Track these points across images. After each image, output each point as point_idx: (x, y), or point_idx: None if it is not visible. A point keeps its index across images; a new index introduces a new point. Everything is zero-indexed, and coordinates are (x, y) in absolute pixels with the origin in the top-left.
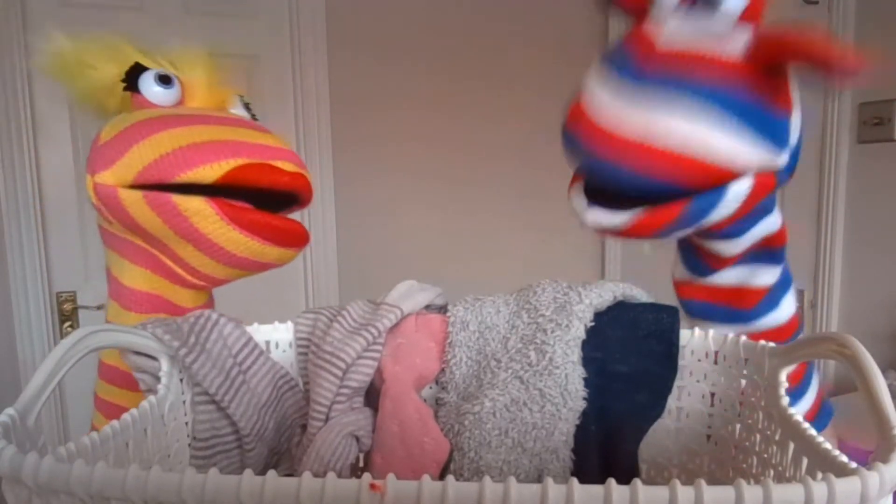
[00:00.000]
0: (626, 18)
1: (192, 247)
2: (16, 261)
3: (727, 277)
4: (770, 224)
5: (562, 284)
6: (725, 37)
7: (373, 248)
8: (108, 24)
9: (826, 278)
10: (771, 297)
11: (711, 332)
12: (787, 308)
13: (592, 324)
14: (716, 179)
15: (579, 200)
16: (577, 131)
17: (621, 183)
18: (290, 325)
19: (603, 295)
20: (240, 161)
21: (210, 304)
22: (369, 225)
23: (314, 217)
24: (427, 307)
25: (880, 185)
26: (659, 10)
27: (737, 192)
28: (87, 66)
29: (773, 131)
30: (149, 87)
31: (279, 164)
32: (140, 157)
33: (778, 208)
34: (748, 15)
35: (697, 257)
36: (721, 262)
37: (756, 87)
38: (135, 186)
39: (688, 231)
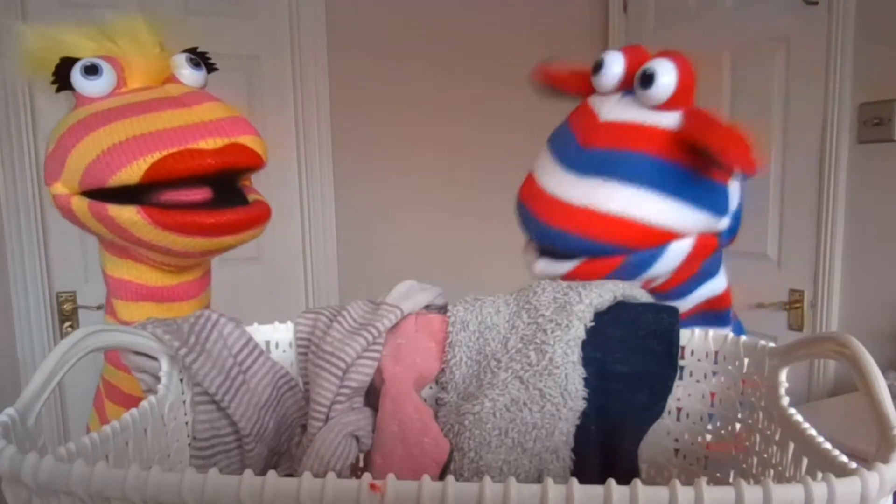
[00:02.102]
0: (572, 98)
1: (145, 249)
2: (16, 261)
3: None
4: (714, 287)
5: (562, 284)
6: (658, 115)
7: (373, 248)
8: None
9: (826, 278)
10: None
11: (711, 332)
12: None
13: (592, 324)
14: (656, 240)
15: (530, 255)
16: (528, 203)
17: (569, 246)
18: (290, 325)
19: (603, 295)
20: (156, 155)
21: (204, 282)
22: (369, 225)
23: (314, 217)
24: (427, 307)
25: (880, 185)
26: (599, 91)
27: (677, 251)
28: (68, 50)
29: (710, 198)
30: (78, 81)
31: (202, 144)
32: (75, 166)
33: (723, 271)
34: (677, 98)
35: None
36: None
37: (691, 158)
38: (84, 194)
39: (644, 278)
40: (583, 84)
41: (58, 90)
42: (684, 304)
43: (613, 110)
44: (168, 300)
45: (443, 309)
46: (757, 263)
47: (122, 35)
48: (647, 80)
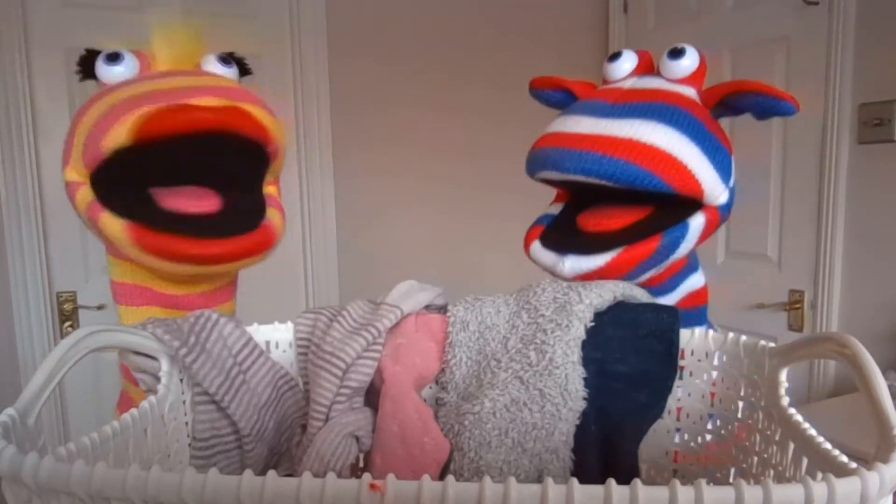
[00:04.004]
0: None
1: (137, 255)
2: (16, 261)
3: None
4: (695, 282)
5: (562, 284)
6: (680, 86)
7: (373, 248)
8: (108, 25)
9: (826, 278)
10: None
11: (711, 332)
12: None
13: (592, 324)
14: (689, 187)
15: (548, 254)
16: (561, 143)
17: (616, 175)
18: (290, 325)
19: (603, 295)
20: (144, 111)
21: (218, 296)
22: (369, 225)
23: (314, 217)
24: (427, 307)
25: (880, 185)
26: (609, 79)
27: (695, 228)
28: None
29: (723, 161)
30: (100, 69)
31: (197, 101)
32: (78, 141)
33: (700, 268)
34: (695, 77)
35: None
36: None
37: (709, 122)
38: (92, 177)
39: (658, 267)
40: (583, 88)
41: (81, 79)
42: (670, 299)
43: (637, 84)
44: (173, 307)
45: (443, 309)
46: (757, 264)
47: (156, 32)
48: (678, 52)
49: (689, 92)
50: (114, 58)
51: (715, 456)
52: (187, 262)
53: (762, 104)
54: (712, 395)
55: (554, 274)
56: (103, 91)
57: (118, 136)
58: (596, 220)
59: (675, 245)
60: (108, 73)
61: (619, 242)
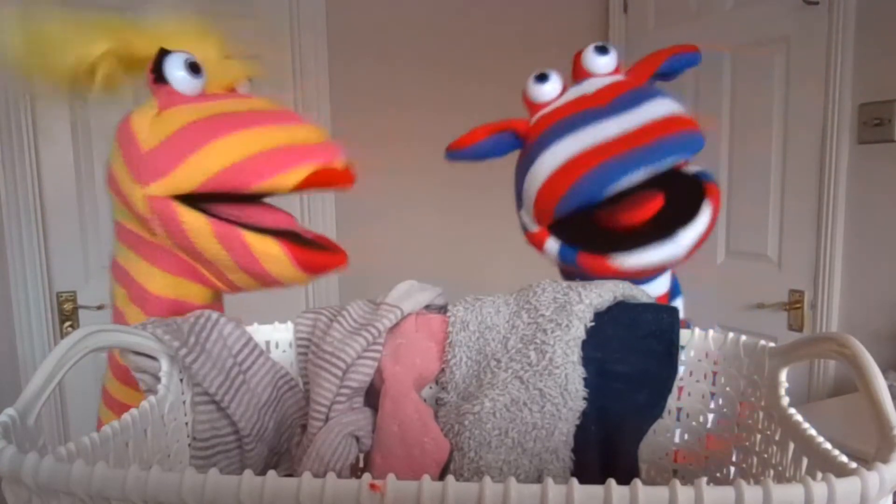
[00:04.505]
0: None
1: (247, 275)
2: (16, 261)
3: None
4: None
5: (562, 284)
6: (617, 76)
7: (373, 248)
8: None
9: (826, 278)
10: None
11: (711, 332)
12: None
13: (592, 324)
14: (699, 131)
15: (594, 258)
16: (592, 161)
17: (669, 153)
18: (290, 325)
19: (603, 295)
20: (311, 167)
21: (220, 300)
22: (369, 225)
23: (314, 217)
24: (427, 307)
25: (880, 185)
26: (542, 101)
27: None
28: (67, 43)
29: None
30: (173, 72)
31: (337, 164)
32: (204, 166)
33: None
34: (618, 69)
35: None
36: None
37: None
38: (198, 196)
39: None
40: (522, 124)
41: (155, 81)
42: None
43: (586, 88)
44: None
45: (443, 309)
46: (757, 264)
47: (196, 40)
48: (603, 49)
49: (623, 78)
50: (195, 69)
51: (715, 456)
52: (324, 271)
53: (676, 63)
54: (712, 395)
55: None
56: (210, 111)
57: (281, 183)
58: (628, 214)
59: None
60: (188, 83)
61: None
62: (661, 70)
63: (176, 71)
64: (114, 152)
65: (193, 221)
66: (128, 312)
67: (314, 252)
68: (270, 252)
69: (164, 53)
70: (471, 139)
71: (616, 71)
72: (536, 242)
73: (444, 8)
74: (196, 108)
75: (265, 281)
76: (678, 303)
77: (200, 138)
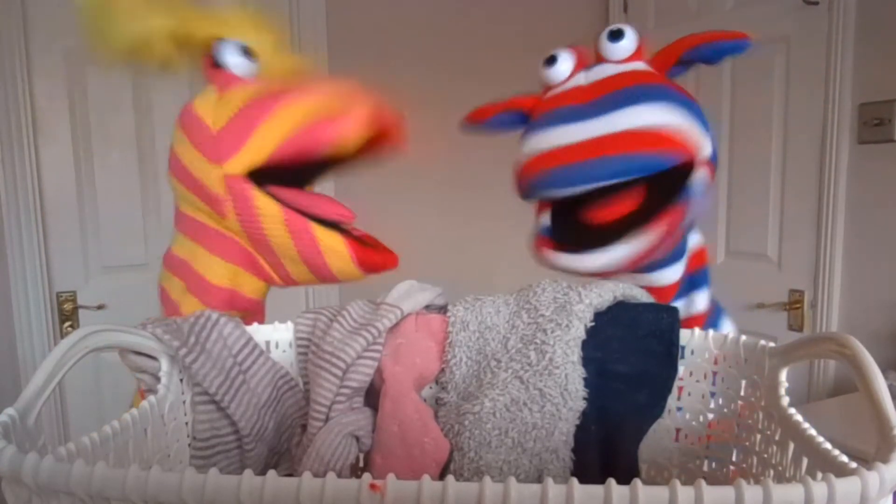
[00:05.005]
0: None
1: (306, 267)
2: (16, 261)
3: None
4: (695, 240)
5: (562, 284)
6: (630, 64)
7: None
8: None
9: (826, 278)
10: (710, 324)
11: (711, 332)
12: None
13: (592, 324)
14: (685, 149)
15: (586, 257)
16: (557, 160)
17: (625, 170)
18: (290, 325)
19: (603, 295)
20: (366, 113)
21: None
22: (369, 225)
23: None
24: (427, 307)
25: (880, 185)
26: (551, 83)
27: (701, 179)
28: (135, 11)
29: (697, 113)
30: (231, 58)
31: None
32: (274, 132)
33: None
34: (638, 52)
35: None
36: (664, 296)
37: (672, 84)
38: (271, 173)
39: (687, 228)
40: (531, 102)
41: (214, 65)
42: (679, 268)
43: (591, 77)
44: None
45: (443, 309)
46: (757, 264)
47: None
48: (617, 33)
49: (640, 66)
50: (250, 53)
51: (715, 455)
52: (377, 270)
53: (716, 49)
54: (712, 394)
55: (584, 273)
56: (272, 91)
57: (349, 134)
58: (603, 213)
59: (696, 196)
60: (241, 66)
61: (644, 217)
62: (703, 56)
63: (233, 56)
64: (178, 140)
65: (266, 206)
66: (184, 303)
67: (372, 251)
68: (335, 247)
69: (219, 41)
70: (486, 113)
71: (637, 54)
72: (537, 212)
73: (444, 8)
74: (256, 87)
75: (321, 274)
76: (704, 293)
77: (266, 109)
